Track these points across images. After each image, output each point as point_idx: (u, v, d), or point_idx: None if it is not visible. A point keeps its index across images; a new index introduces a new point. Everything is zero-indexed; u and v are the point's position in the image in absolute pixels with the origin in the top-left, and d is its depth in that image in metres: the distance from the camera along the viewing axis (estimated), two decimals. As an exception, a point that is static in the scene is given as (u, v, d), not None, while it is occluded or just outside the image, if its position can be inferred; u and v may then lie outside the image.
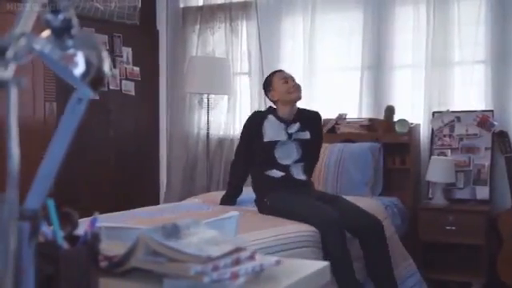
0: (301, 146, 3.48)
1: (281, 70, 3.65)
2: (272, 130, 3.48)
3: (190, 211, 3.47)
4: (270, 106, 3.62)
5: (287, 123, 3.49)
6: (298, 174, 3.45)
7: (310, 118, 3.58)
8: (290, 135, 3.48)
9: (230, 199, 3.69)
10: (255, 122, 3.54)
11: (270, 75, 3.63)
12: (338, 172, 4.15)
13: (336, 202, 3.28)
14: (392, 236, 3.58)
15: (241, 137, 3.69)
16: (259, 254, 1.08)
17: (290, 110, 3.51)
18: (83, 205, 4.28)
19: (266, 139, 3.47)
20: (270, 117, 3.52)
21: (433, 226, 3.92)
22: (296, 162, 3.45)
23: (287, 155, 3.45)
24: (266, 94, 3.59)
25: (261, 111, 3.80)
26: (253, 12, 4.88)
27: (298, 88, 3.50)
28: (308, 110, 3.69)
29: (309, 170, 3.56)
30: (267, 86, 3.56)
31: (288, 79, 3.50)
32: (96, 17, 4.75)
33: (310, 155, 3.53)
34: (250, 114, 3.74)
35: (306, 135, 3.51)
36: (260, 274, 1.04)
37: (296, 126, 3.50)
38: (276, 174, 3.43)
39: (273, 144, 3.45)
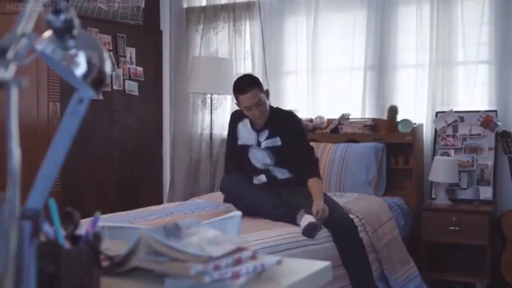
0: (273, 153, 3.38)
1: (246, 89, 3.26)
2: (244, 134, 3.44)
3: (194, 211, 3.48)
4: None
5: (258, 130, 3.41)
6: (283, 173, 3.39)
7: (280, 121, 3.40)
8: (259, 143, 3.40)
9: None
10: (233, 122, 3.52)
11: (234, 88, 3.33)
12: (342, 172, 4.15)
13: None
14: (396, 238, 3.58)
15: (226, 141, 3.66)
16: (260, 253, 1.08)
17: (256, 123, 3.40)
18: (87, 204, 4.30)
19: (239, 142, 3.46)
20: (246, 121, 3.45)
21: (436, 227, 3.91)
22: (273, 166, 3.39)
23: (260, 160, 3.40)
24: (235, 102, 3.41)
25: (239, 111, 3.57)
26: (256, 12, 4.88)
27: (261, 116, 3.30)
28: (281, 112, 3.49)
29: (296, 169, 3.40)
30: (235, 99, 3.37)
31: (252, 109, 3.27)
32: (99, 17, 4.76)
33: (287, 161, 3.38)
34: (231, 113, 3.67)
35: (276, 142, 3.37)
36: (261, 274, 1.04)
37: (265, 134, 3.40)
38: (260, 180, 3.41)
39: (245, 147, 3.43)
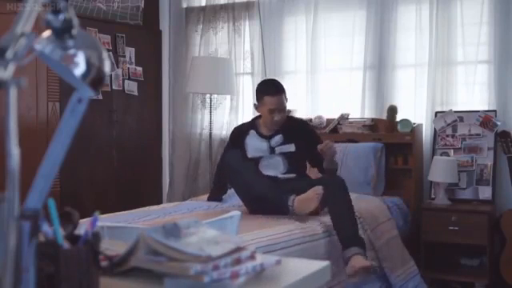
0: (287, 159, 3.42)
1: (274, 92, 3.39)
2: (254, 147, 3.46)
3: (193, 211, 3.48)
4: (255, 118, 3.60)
5: (269, 137, 3.45)
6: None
7: (294, 129, 3.47)
8: (272, 149, 3.43)
9: (215, 196, 3.77)
10: (237, 139, 3.53)
11: (262, 89, 3.44)
12: (341, 172, 4.14)
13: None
14: (395, 237, 3.58)
15: (225, 149, 3.71)
16: (259, 253, 1.08)
17: (270, 129, 3.47)
18: (86, 204, 4.29)
19: (249, 155, 3.46)
20: (252, 132, 3.49)
21: (435, 226, 3.92)
22: (284, 174, 3.41)
23: (273, 168, 3.42)
24: (255, 103, 3.51)
25: (242, 125, 3.71)
26: (255, 12, 4.88)
27: (279, 122, 3.38)
28: (295, 120, 3.60)
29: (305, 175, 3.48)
30: (258, 98, 3.46)
31: (274, 112, 3.35)
32: (99, 17, 4.77)
33: (298, 168, 3.45)
34: (232, 130, 3.73)
35: (290, 148, 3.43)
36: (260, 274, 1.04)
37: (278, 139, 3.44)
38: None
39: (257, 159, 3.44)
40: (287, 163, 3.41)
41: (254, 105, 3.50)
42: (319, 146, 3.23)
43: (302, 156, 3.44)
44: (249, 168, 3.32)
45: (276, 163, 3.42)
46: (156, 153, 5.28)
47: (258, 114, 3.58)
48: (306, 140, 3.45)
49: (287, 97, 3.45)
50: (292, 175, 3.40)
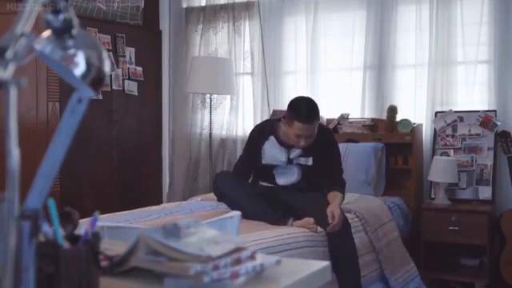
0: (302, 170, 3.30)
1: (307, 121, 3.07)
2: (271, 154, 3.30)
3: (194, 211, 3.48)
4: (275, 121, 3.41)
5: (289, 147, 3.27)
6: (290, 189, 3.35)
7: (316, 141, 3.19)
8: (290, 160, 3.29)
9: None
10: (257, 139, 3.37)
11: (295, 111, 3.09)
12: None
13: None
14: (396, 239, 3.58)
15: (244, 150, 3.57)
16: (259, 253, 1.08)
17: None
18: (86, 204, 4.29)
19: (264, 161, 3.32)
20: (271, 138, 3.31)
21: (435, 226, 3.92)
22: (294, 184, 3.32)
23: (287, 176, 3.33)
24: (282, 117, 3.24)
25: (263, 127, 3.45)
26: (255, 12, 4.88)
27: (304, 146, 3.15)
28: (319, 130, 3.24)
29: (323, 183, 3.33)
30: (288, 118, 3.13)
31: (301, 137, 3.09)
32: (99, 17, 4.77)
33: (311, 180, 3.32)
34: (253, 128, 3.60)
35: (308, 161, 3.27)
36: (260, 274, 1.04)
37: (297, 151, 3.26)
38: (269, 184, 3.39)
39: (271, 166, 3.33)
40: (301, 174, 3.30)
41: (282, 119, 3.23)
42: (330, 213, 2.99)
43: (317, 169, 3.30)
44: (243, 195, 3.24)
45: (291, 172, 3.32)
46: (156, 153, 5.28)
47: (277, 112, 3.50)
48: (324, 151, 3.29)
49: (320, 119, 3.19)
50: (303, 185, 3.33)
